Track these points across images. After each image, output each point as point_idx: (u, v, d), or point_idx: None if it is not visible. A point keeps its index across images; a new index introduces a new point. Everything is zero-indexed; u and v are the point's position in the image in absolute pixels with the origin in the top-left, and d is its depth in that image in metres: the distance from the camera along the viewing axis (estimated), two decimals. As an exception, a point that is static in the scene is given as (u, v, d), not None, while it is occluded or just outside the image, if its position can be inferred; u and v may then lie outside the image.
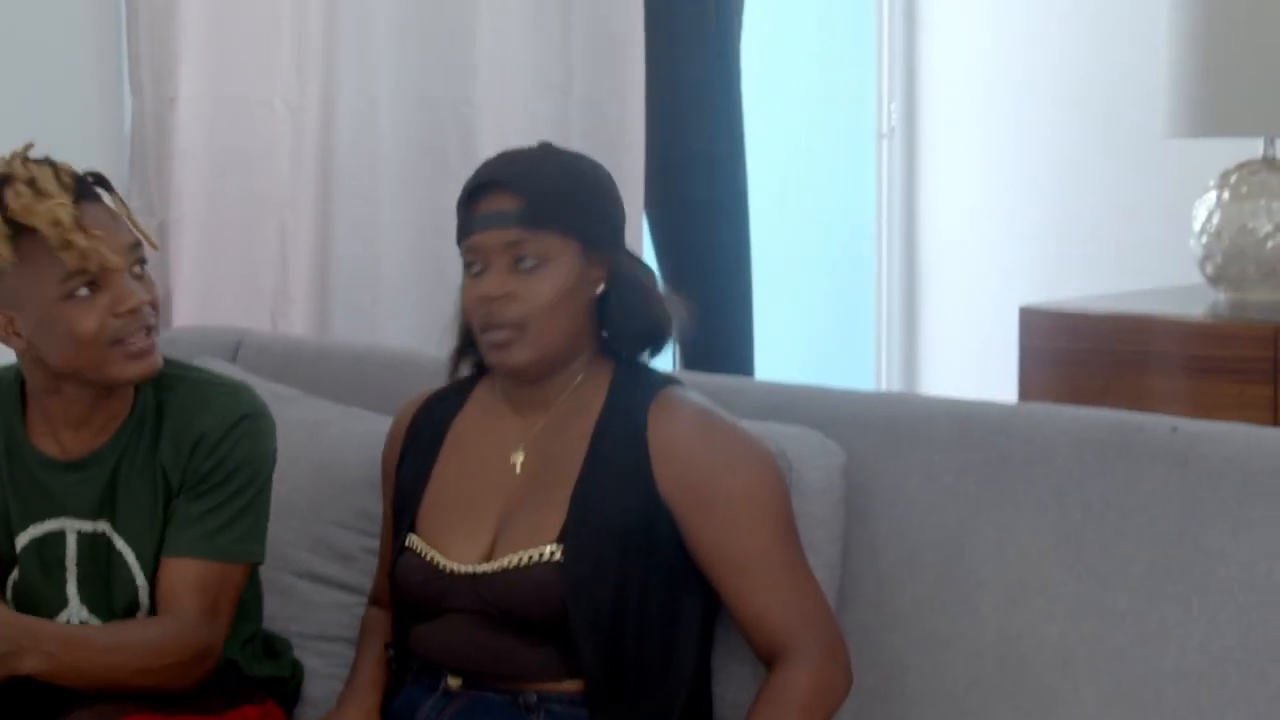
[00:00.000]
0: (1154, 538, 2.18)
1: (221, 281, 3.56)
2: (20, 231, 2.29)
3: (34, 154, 2.36)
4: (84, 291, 2.32)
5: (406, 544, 2.41)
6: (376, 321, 3.72)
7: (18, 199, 2.29)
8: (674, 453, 2.28)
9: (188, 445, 2.42)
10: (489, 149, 3.64)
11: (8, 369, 2.51)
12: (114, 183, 3.18)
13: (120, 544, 2.45)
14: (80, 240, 2.28)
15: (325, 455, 2.83)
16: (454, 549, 2.35)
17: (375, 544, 2.73)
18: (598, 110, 3.94)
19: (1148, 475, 2.20)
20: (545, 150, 2.40)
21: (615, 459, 2.30)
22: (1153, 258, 4.29)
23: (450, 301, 3.73)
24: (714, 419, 2.33)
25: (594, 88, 3.93)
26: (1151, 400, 3.55)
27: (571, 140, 3.85)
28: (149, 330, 2.37)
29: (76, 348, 2.33)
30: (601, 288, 2.35)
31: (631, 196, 3.91)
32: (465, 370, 2.51)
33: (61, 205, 2.29)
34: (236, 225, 3.56)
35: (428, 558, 2.37)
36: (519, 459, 2.37)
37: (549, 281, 2.30)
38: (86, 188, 2.35)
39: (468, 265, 2.36)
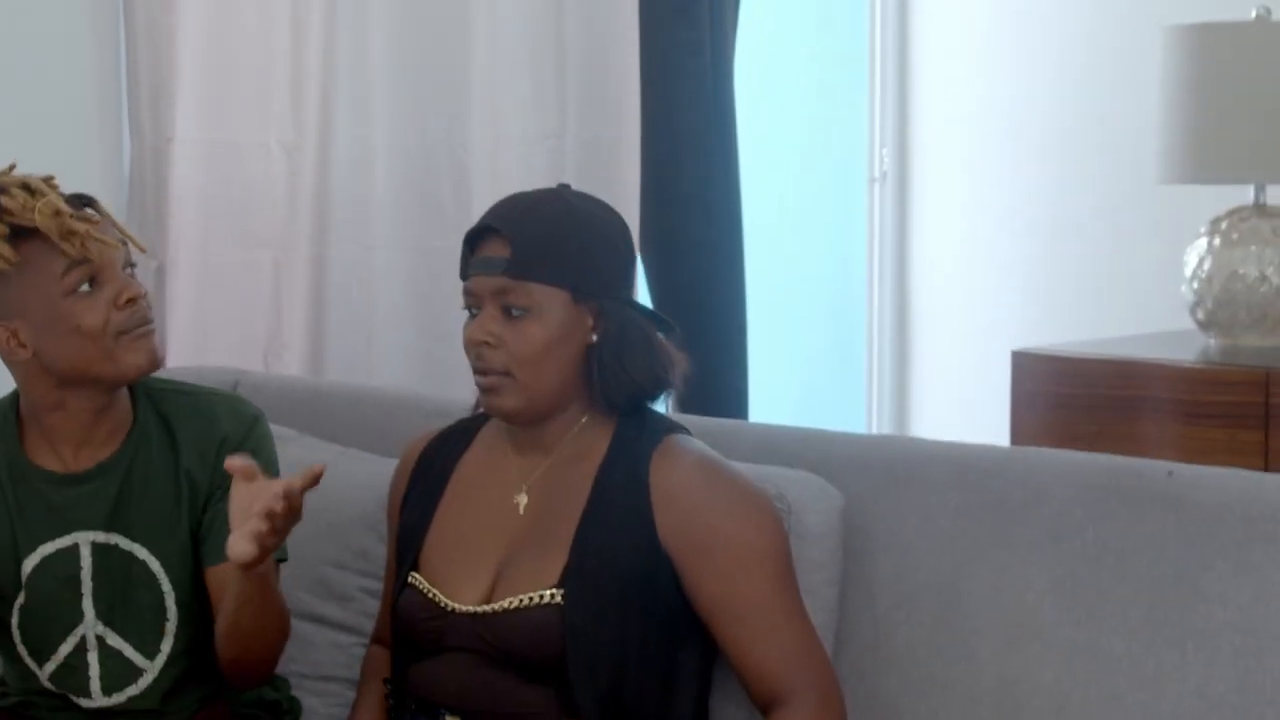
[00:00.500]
0: (1151, 582, 2.18)
1: (216, 323, 3.57)
2: (19, 234, 2.34)
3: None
4: (86, 287, 2.37)
5: (409, 581, 2.41)
6: (372, 364, 3.73)
7: (14, 200, 2.34)
8: (675, 500, 2.28)
9: (212, 449, 2.48)
10: (484, 193, 3.69)
11: (1, 399, 2.54)
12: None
13: (142, 553, 2.48)
14: (80, 226, 2.34)
15: (323, 496, 2.81)
16: (456, 588, 2.35)
17: (373, 584, 2.74)
18: (593, 154, 3.95)
19: (1144, 519, 2.21)
20: (550, 195, 2.39)
21: (617, 504, 2.30)
22: (1144, 303, 4.31)
23: (445, 344, 3.77)
24: (716, 467, 2.33)
25: (589, 132, 3.95)
26: (1144, 445, 3.57)
27: (565, 183, 3.87)
28: (149, 322, 2.43)
29: (85, 343, 2.38)
30: (594, 337, 2.33)
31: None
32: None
33: (59, 199, 2.36)
34: (231, 267, 3.57)
35: (430, 595, 2.37)
36: (522, 500, 2.38)
37: (536, 331, 2.29)
38: (73, 197, 2.41)
39: (466, 306, 2.37)
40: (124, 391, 2.50)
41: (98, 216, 2.40)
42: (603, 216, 2.38)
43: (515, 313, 2.30)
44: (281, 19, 3.56)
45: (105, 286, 2.38)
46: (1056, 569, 2.26)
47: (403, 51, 3.73)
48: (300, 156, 3.61)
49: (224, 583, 2.41)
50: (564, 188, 2.41)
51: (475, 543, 2.38)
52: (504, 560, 2.34)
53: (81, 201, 2.42)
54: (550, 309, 2.30)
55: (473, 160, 3.81)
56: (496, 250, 2.31)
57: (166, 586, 2.48)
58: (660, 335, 2.39)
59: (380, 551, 2.73)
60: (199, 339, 3.54)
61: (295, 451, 2.91)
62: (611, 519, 2.29)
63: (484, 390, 2.34)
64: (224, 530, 2.40)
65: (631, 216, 3.96)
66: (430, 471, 2.49)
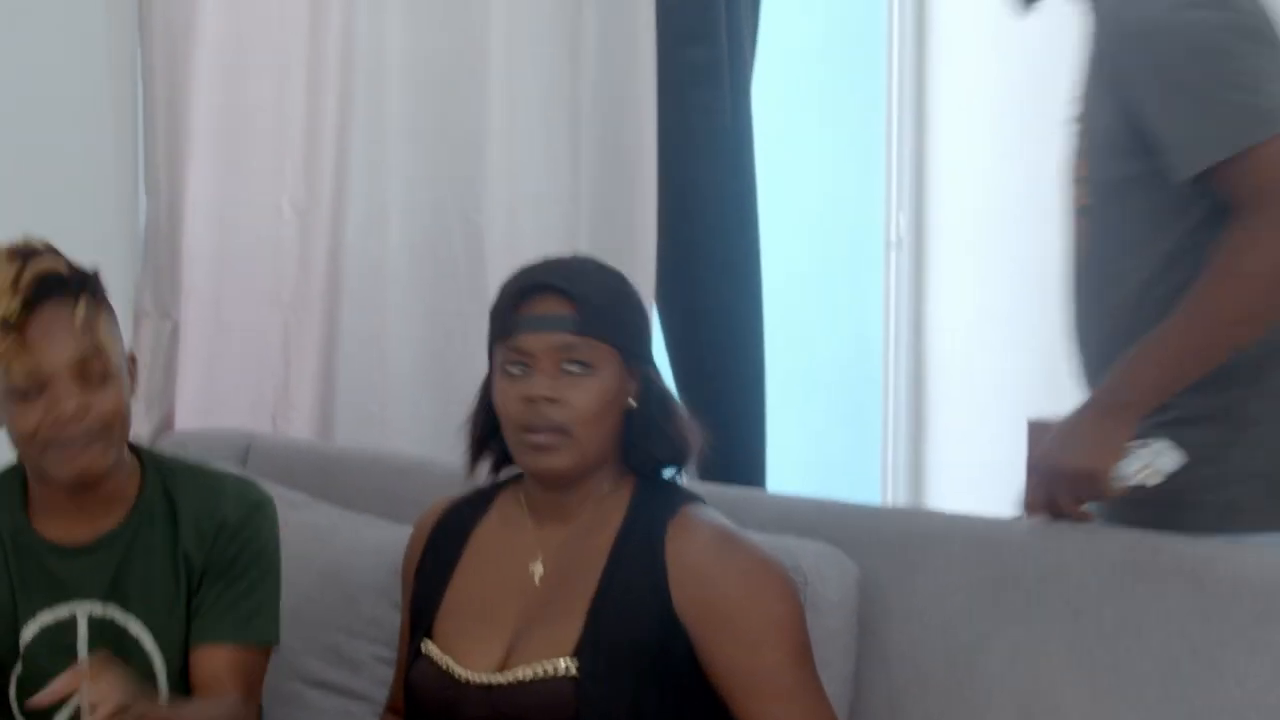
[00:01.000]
0: (1168, 658, 2.16)
1: (226, 383, 3.57)
2: None
3: (37, 244, 2.38)
4: (32, 392, 2.34)
5: (422, 650, 2.39)
6: (385, 427, 3.72)
7: None
8: (692, 572, 2.27)
9: (210, 531, 2.47)
10: (497, 256, 3.70)
11: (12, 465, 2.54)
12: (126, 282, 3.23)
13: (136, 627, 2.46)
14: (4, 350, 2.30)
15: (334, 562, 2.83)
16: (469, 657, 2.34)
17: (385, 652, 2.73)
18: (608, 217, 3.95)
19: (1162, 595, 2.19)
20: (587, 260, 2.45)
21: (633, 574, 2.29)
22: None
23: (459, 408, 3.76)
24: (732, 538, 2.31)
25: (605, 196, 3.95)
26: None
27: (581, 245, 3.88)
28: (88, 438, 2.37)
29: (19, 444, 2.39)
30: (633, 403, 2.35)
31: (642, 299, 3.94)
32: (484, 468, 2.50)
33: (8, 304, 2.30)
34: (241, 327, 3.57)
35: (443, 665, 2.35)
36: (538, 570, 2.37)
37: (595, 389, 2.30)
38: (49, 290, 2.33)
39: (507, 365, 2.33)
40: (131, 465, 2.50)
41: (53, 328, 2.33)
42: (633, 286, 2.41)
43: (575, 370, 2.30)
44: (297, 82, 3.57)
45: (46, 397, 2.34)
46: (1074, 643, 2.24)
47: (418, 114, 3.73)
48: (313, 218, 3.61)
49: (208, 663, 2.44)
50: (588, 257, 2.45)
51: (490, 612, 2.37)
52: (519, 629, 2.33)
53: (75, 281, 2.35)
54: (606, 368, 2.31)
55: (486, 223, 3.80)
56: (555, 308, 2.31)
57: (159, 663, 2.47)
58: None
59: (393, 619, 2.72)
60: (209, 399, 3.54)
61: (307, 517, 2.91)
62: (627, 589, 2.28)
63: (535, 449, 2.32)
64: (213, 612, 2.45)
65: (648, 280, 3.95)
66: (445, 541, 2.48)
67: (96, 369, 2.36)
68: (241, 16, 3.50)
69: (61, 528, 2.47)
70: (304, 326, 3.63)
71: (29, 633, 2.46)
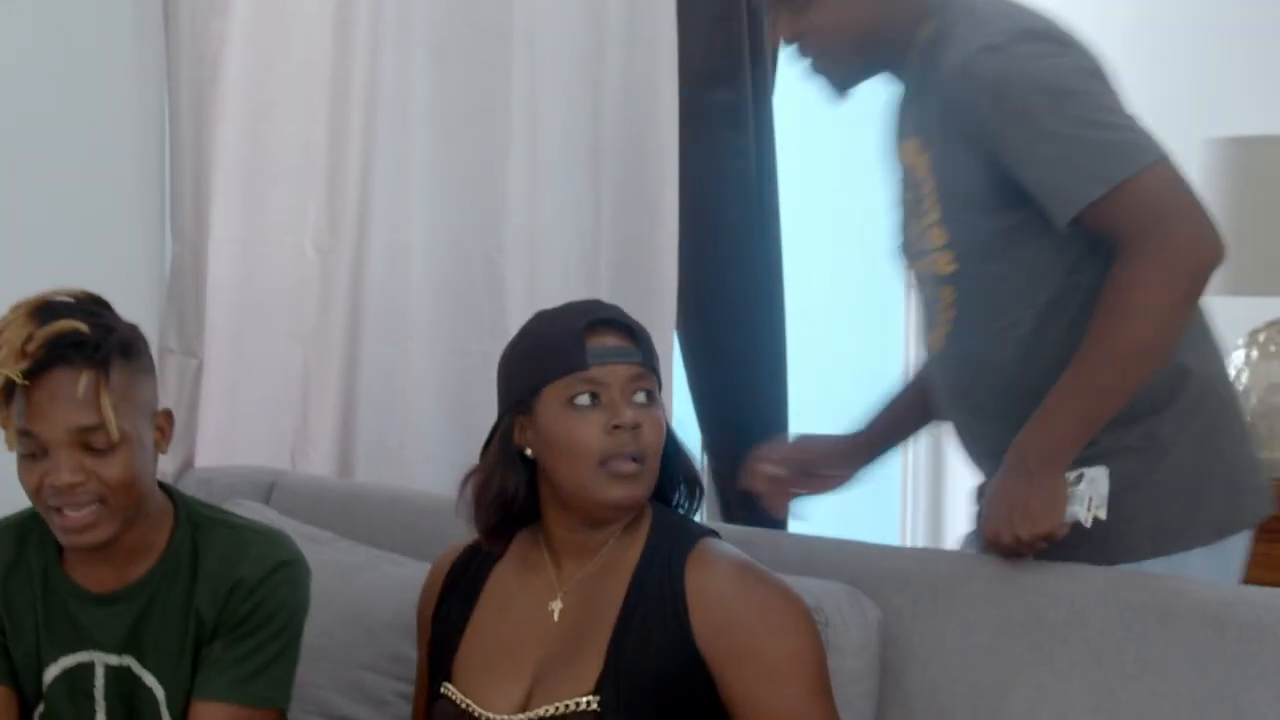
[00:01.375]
0: (1192, 702, 2.17)
1: (246, 420, 3.58)
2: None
3: (65, 301, 2.37)
4: (37, 453, 2.34)
5: (442, 692, 2.40)
6: (406, 466, 3.73)
7: None
8: (712, 605, 2.27)
9: (225, 589, 2.43)
10: (518, 296, 3.72)
11: None
12: (152, 321, 3.25)
13: (149, 679, 2.46)
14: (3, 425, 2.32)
15: (358, 599, 2.83)
16: (490, 698, 2.34)
17: (406, 688, 2.74)
18: (629, 257, 3.96)
19: (1186, 639, 2.19)
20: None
21: (652, 608, 2.29)
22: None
23: (478, 446, 3.78)
24: (752, 571, 2.32)
25: (626, 236, 3.96)
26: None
27: (601, 285, 3.90)
28: (90, 503, 2.35)
29: (30, 498, 2.38)
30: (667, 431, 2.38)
31: (662, 342, 3.95)
32: (498, 543, 2.48)
33: (11, 371, 2.30)
34: (262, 364, 3.58)
35: (463, 705, 2.36)
36: (557, 607, 2.37)
37: (659, 420, 2.34)
38: (59, 354, 2.31)
39: (575, 399, 2.32)
40: (163, 513, 2.48)
41: (59, 394, 2.31)
42: None
43: (643, 400, 2.32)
44: (320, 123, 3.59)
45: (48, 459, 2.33)
46: (1097, 687, 2.24)
47: (441, 154, 3.75)
48: (334, 257, 3.63)
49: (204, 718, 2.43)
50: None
51: (510, 651, 2.37)
52: (539, 668, 2.33)
53: (94, 347, 2.33)
54: (659, 401, 2.35)
55: (507, 262, 3.82)
56: (624, 342, 2.34)
57: (167, 718, 2.47)
58: None
59: (414, 655, 2.72)
60: (229, 436, 3.55)
61: (331, 554, 2.92)
62: (647, 624, 2.28)
63: (620, 479, 2.31)
64: (214, 668, 2.42)
65: (668, 318, 3.97)
66: (462, 583, 2.48)
67: (99, 439, 2.33)
68: (265, 57, 3.52)
69: (90, 573, 2.47)
70: (324, 365, 3.64)
71: (50, 675, 2.47)
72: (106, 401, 2.31)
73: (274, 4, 3.53)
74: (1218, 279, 3.83)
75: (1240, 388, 3.80)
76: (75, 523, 2.35)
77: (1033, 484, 2.37)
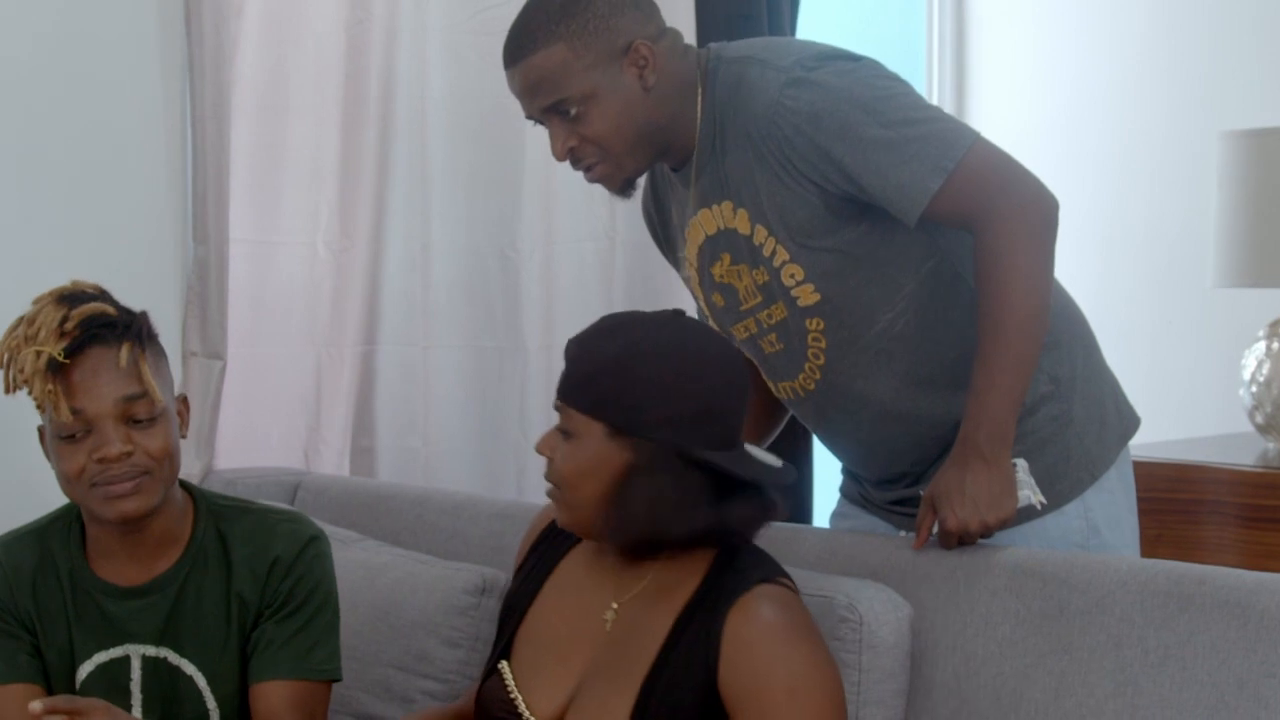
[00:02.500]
0: (1213, 689, 2.17)
1: (263, 420, 3.60)
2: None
3: (86, 288, 2.45)
4: (80, 433, 2.39)
5: (498, 668, 2.41)
6: (429, 465, 3.75)
7: (12, 338, 2.38)
8: (743, 655, 2.23)
9: (263, 569, 2.50)
10: (533, 293, 3.73)
11: (69, 506, 2.57)
12: (173, 326, 3.26)
13: (189, 668, 2.50)
14: (49, 389, 2.35)
15: (384, 598, 2.85)
16: (534, 695, 2.35)
17: (433, 686, 2.76)
18: (642, 254, 3.97)
19: (1207, 626, 2.20)
20: (627, 324, 2.35)
21: (692, 648, 2.25)
22: (1202, 407, 4.30)
23: (495, 443, 3.79)
24: (792, 633, 2.24)
25: (638, 232, 3.96)
26: (1204, 549, 3.55)
27: (615, 285, 3.91)
28: (136, 477, 2.41)
29: (65, 484, 2.43)
30: (622, 474, 2.28)
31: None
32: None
33: (39, 352, 2.35)
34: (275, 365, 3.60)
35: (510, 696, 2.36)
36: (611, 616, 2.35)
37: (571, 455, 2.30)
38: (95, 333, 2.39)
39: None
40: (184, 506, 2.53)
41: (99, 369, 2.38)
42: (656, 359, 2.29)
43: (565, 434, 2.31)
44: (332, 124, 3.61)
45: (93, 437, 2.39)
46: (1118, 675, 2.25)
47: (456, 154, 3.77)
48: (348, 258, 3.65)
49: (267, 700, 2.48)
50: (672, 316, 2.35)
51: (561, 646, 2.37)
52: (583, 678, 2.33)
53: (122, 326, 2.41)
54: (585, 438, 2.29)
55: (522, 260, 3.85)
56: (565, 370, 2.33)
57: (212, 704, 2.51)
58: (706, 488, 2.29)
59: (442, 654, 2.76)
60: (248, 436, 3.56)
61: (357, 554, 2.93)
62: (683, 663, 2.25)
63: (549, 496, 2.36)
64: (270, 649, 2.47)
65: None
66: (546, 550, 2.49)
67: (142, 410, 2.40)
68: (279, 59, 3.54)
69: (117, 569, 2.51)
70: (337, 365, 3.66)
71: (84, 671, 2.50)
72: (147, 371, 2.40)
73: (287, 6, 3.54)
74: (1235, 270, 3.86)
75: (1261, 379, 3.80)
76: (123, 489, 2.40)
77: (990, 471, 2.44)
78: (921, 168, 2.45)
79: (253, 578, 2.51)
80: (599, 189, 3.85)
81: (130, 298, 2.50)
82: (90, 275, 2.51)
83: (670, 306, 3.89)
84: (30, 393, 2.37)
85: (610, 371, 2.28)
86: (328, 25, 3.58)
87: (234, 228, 3.50)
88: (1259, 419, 3.84)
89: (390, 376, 3.72)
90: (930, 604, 2.44)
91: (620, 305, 3.96)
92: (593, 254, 3.94)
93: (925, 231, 2.54)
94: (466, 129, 3.78)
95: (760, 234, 2.57)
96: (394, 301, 3.72)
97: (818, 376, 2.65)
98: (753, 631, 2.23)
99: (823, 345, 2.62)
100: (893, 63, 2.63)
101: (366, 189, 3.65)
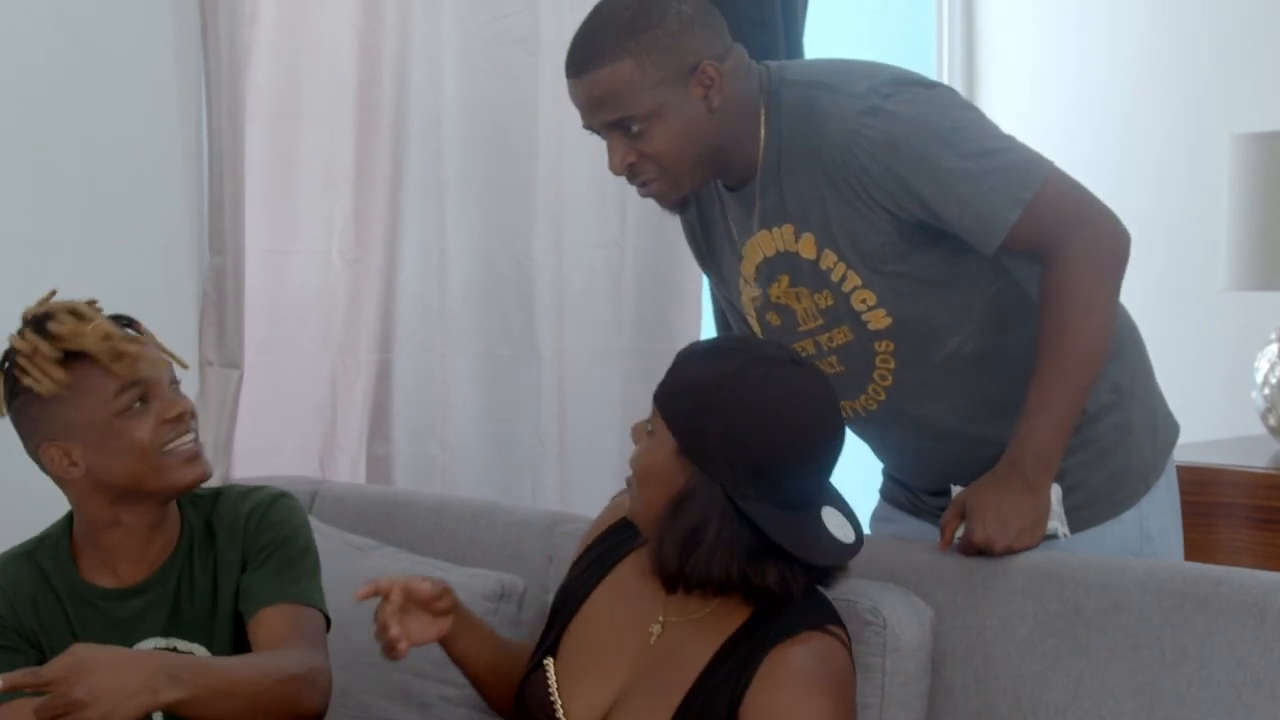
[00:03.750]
0: (1230, 689, 2.18)
1: (277, 428, 3.61)
2: (70, 357, 2.43)
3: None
4: (137, 405, 2.45)
5: (543, 663, 2.41)
6: (446, 472, 3.76)
7: (63, 325, 2.43)
8: (763, 702, 2.21)
9: (239, 528, 2.56)
10: (545, 299, 3.74)
11: (52, 527, 2.61)
12: (190, 335, 3.29)
13: (201, 652, 2.53)
14: (131, 348, 2.43)
15: (403, 605, 2.85)
16: (574, 702, 2.35)
17: (451, 691, 2.77)
18: (652, 261, 4.00)
19: (1223, 627, 2.21)
20: (738, 352, 2.30)
21: (724, 684, 2.24)
22: (1215, 409, 4.30)
23: (510, 450, 3.79)
24: (818, 686, 2.21)
25: (648, 242, 3.99)
26: (1218, 551, 3.56)
27: (625, 290, 3.93)
28: (195, 436, 2.50)
29: (137, 459, 2.45)
30: (678, 496, 2.26)
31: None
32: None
33: (106, 323, 2.45)
34: (290, 374, 3.61)
35: (551, 699, 2.37)
36: (656, 631, 2.35)
37: (645, 453, 2.31)
38: (114, 318, 2.49)
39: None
40: (174, 503, 2.57)
41: (143, 337, 2.49)
42: (753, 404, 2.24)
43: (649, 431, 2.31)
44: (346, 132, 3.62)
45: (154, 403, 2.46)
46: (1136, 676, 2.26)
47: (470, 161, 3.79)
48: (362, 266, 3.66)
49: (266, 627, 2.49)
50: (791, 360, 2.30)
51: (605, 654, 2.37)
52: (623, 690, 2.33)
53: (123, 322, 2.50)
54: (657, 441, 2.29)
55: (536, 267, 3.86)
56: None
57: None
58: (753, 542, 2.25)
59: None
60: (265, 444, 3.57)
61: (374, 562, 2.94)
62: (715, 695, 2.25)
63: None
64: (258, 583, 2.52)
65: (694, 324, 4.02)
66: (605, 547, 2.49)
67: (176, 375, 2.51)
68: (292, 68, 3.55)
69: (111, 574, 2.54)
70: (353, 373, 3.67)
71: None
72: (161, 344, 2.52)
73: (301, 14, 3.56)
74: (1247, 273, 3.86)
75: (1274, 381, 3.81)
76: (194, 449, 2.49)
77: (1029, 497, 2.45)
78: (1000, 199, 2.45)
79: (231, 540, 2.56)
80: (610, 195, 3.90)
81: (147, 307, 2.57)
82: (107, 285, 2.58)
83: (680, 315, 3.94)
84: (109, 359, 2.41)
85: (695, 393, 2.26)
86: (341, 33, 3.59)
87: (249, 237, 3.50)
88: (1272, 421, 3.84)
89: (406, 384, 3.73)
90: (948, 607, 2.45)
91: (631, 313, 3.97)
92: (603, 261, 3.96)
93: (1000, 257, 2.54)
94: (480, 137, 3.79)
95: (829, 259, 2.56)
96: (409, 309, 3.73)
97: (882, 398, 2.65)
98: (783, 675, 2.22)
99: (891, 367, 2.62)
100: (902, 65, 2.63)
101: (381, 197, 3.66)
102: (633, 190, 3.87)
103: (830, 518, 2.31)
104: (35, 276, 3.25)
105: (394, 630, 2.34)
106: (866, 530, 2.38)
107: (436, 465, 3.76)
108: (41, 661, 2.49)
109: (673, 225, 3.91)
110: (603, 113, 2.53)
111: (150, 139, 3.50)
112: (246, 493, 2.63)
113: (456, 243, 3.77)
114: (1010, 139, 2.52)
